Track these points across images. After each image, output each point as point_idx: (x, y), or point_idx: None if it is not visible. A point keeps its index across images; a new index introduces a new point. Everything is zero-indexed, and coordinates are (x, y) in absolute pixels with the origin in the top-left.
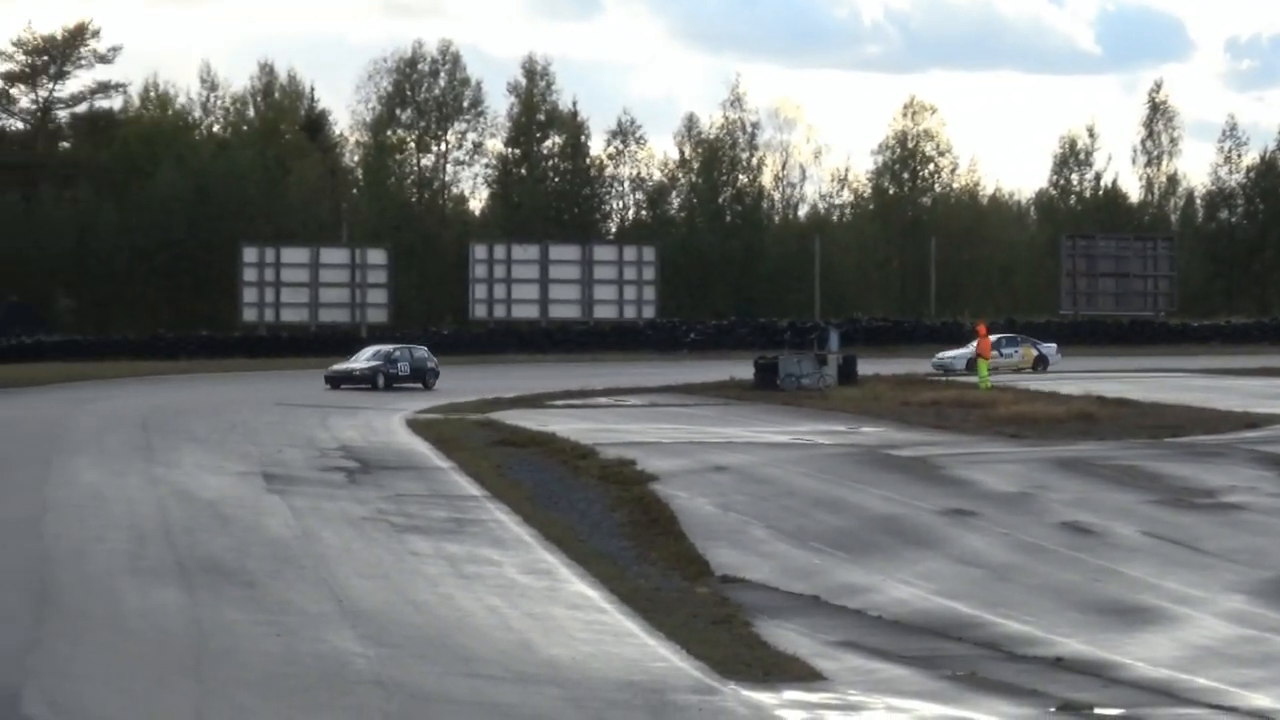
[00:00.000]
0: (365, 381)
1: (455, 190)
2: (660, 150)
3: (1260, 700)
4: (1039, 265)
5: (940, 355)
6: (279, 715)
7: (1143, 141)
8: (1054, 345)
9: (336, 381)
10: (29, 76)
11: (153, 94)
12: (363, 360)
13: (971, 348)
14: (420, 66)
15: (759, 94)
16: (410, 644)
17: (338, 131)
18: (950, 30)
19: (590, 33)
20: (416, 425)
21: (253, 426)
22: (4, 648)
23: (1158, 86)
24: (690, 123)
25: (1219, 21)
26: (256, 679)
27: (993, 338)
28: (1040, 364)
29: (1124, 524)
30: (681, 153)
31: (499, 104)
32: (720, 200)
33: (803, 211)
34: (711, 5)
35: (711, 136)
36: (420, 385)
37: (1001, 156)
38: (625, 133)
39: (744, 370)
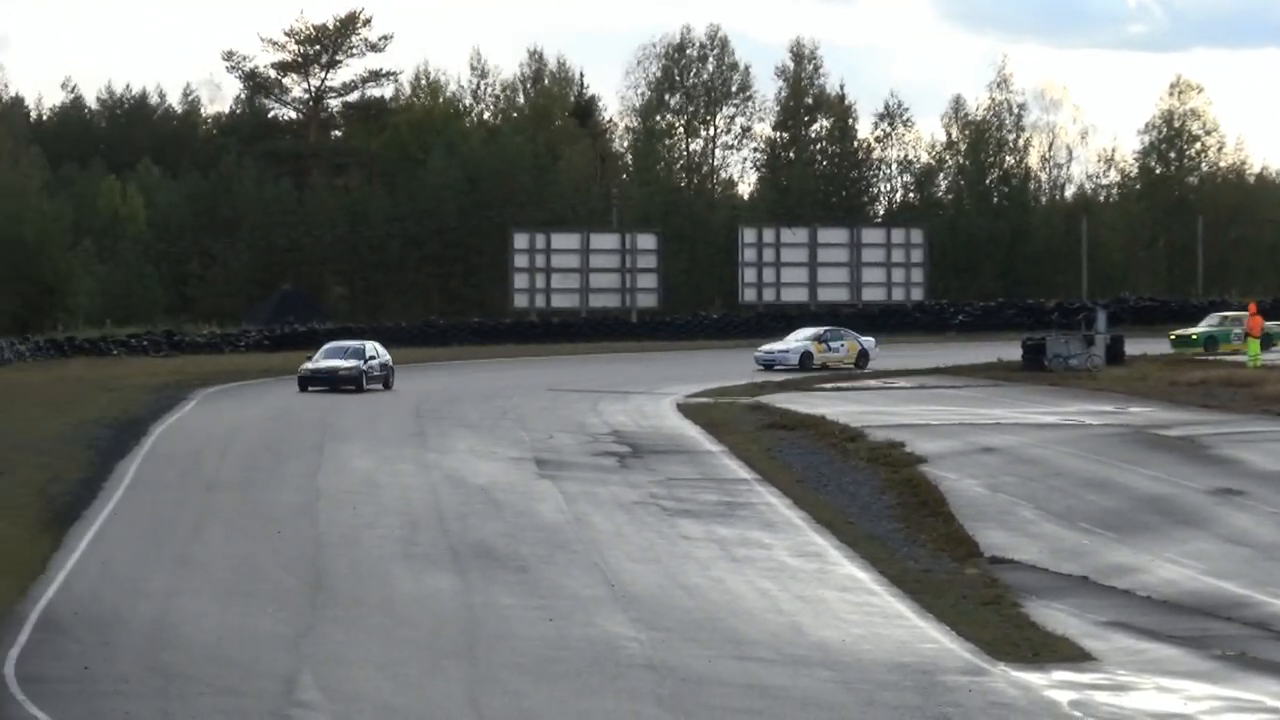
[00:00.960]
0: (349, 383)
1: (724, 174)
2: (927, 132)
3: None
4: None
5: (765, 349)
6: (551, 699)
7: None
8: (873, 339)
9: (309, 383)
10: (301, 66)
11: (423, 82)
12: (338, 358)
13: (798, 341)
14: (689, 51)
15: (1025, 75)
16: (681, 627)
17: (607, 117)
18: (1214, 8)
19: (856, 15)
20: (687, 409)
21: (524, 412)
22: (280, 634)
23: None
24: (957, 104)
25: None
26: (529, 663)
27: (817, 330)
28: (861, 359)
29: None
30: (948, 134)
31: (767, 88)
32: (987, 182)
33: (1069, 192)
34: None
35: (978, 118)
36: (381, 386)
37: (1269, 135)
38: (892, 115)
39: (1011, 351)
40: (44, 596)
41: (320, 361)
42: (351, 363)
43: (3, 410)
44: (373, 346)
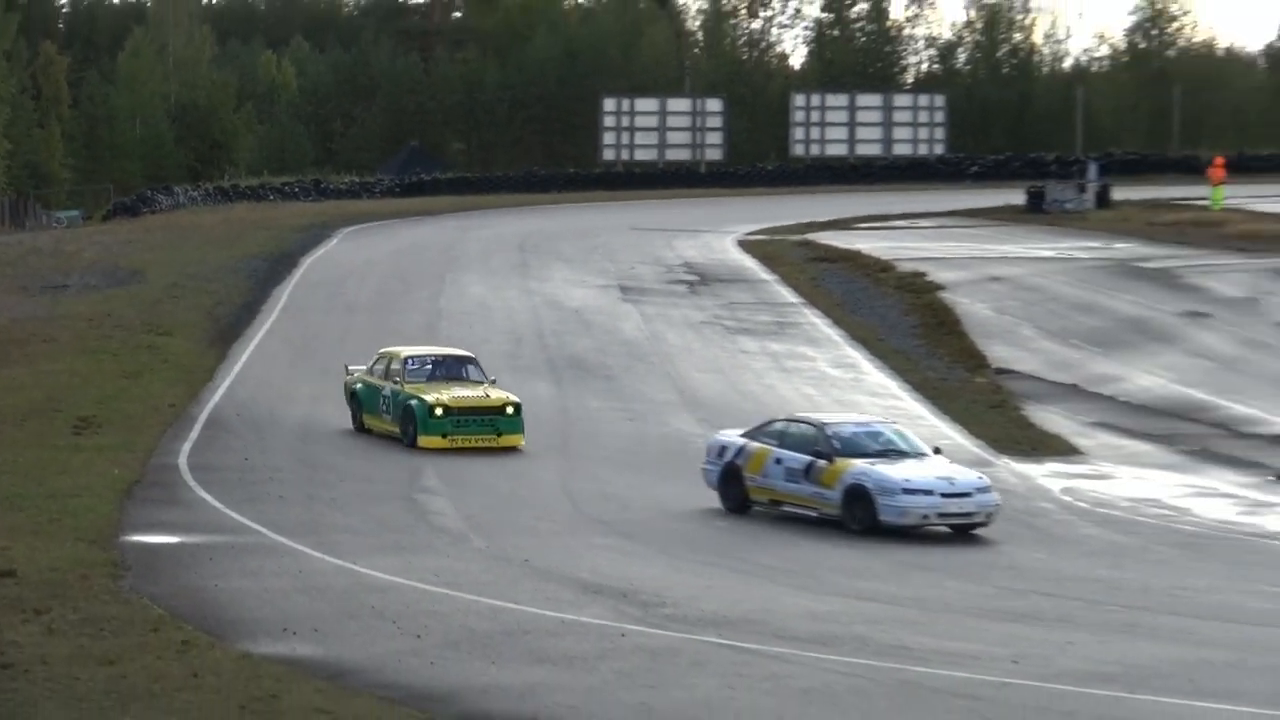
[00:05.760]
0: None
1: (779, 49)
2: (949, 14)
3: None
4: (1266, 107)
5: None
6: (630, 485)
7: None
8: None
9: None
10: None
11: None
12: None
13: None
14: None
15: None
16: (739, 426)
17: (682, 1)
18: None
19: None
20: (746, 245)
21: (611, 247)
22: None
23: None
24: None
25: None
26: (612, 455)
27: None
28: None
29: None
30: (967, 15)
31: None
32: (999, 55)
33: (1067, 64)
34: None
35: (993, 1)
36: None
37: (1234, 15)
38: None
39: (1016, 198)
40: (211, 401)
41: None
42: None
43: (178, 246)
44: None
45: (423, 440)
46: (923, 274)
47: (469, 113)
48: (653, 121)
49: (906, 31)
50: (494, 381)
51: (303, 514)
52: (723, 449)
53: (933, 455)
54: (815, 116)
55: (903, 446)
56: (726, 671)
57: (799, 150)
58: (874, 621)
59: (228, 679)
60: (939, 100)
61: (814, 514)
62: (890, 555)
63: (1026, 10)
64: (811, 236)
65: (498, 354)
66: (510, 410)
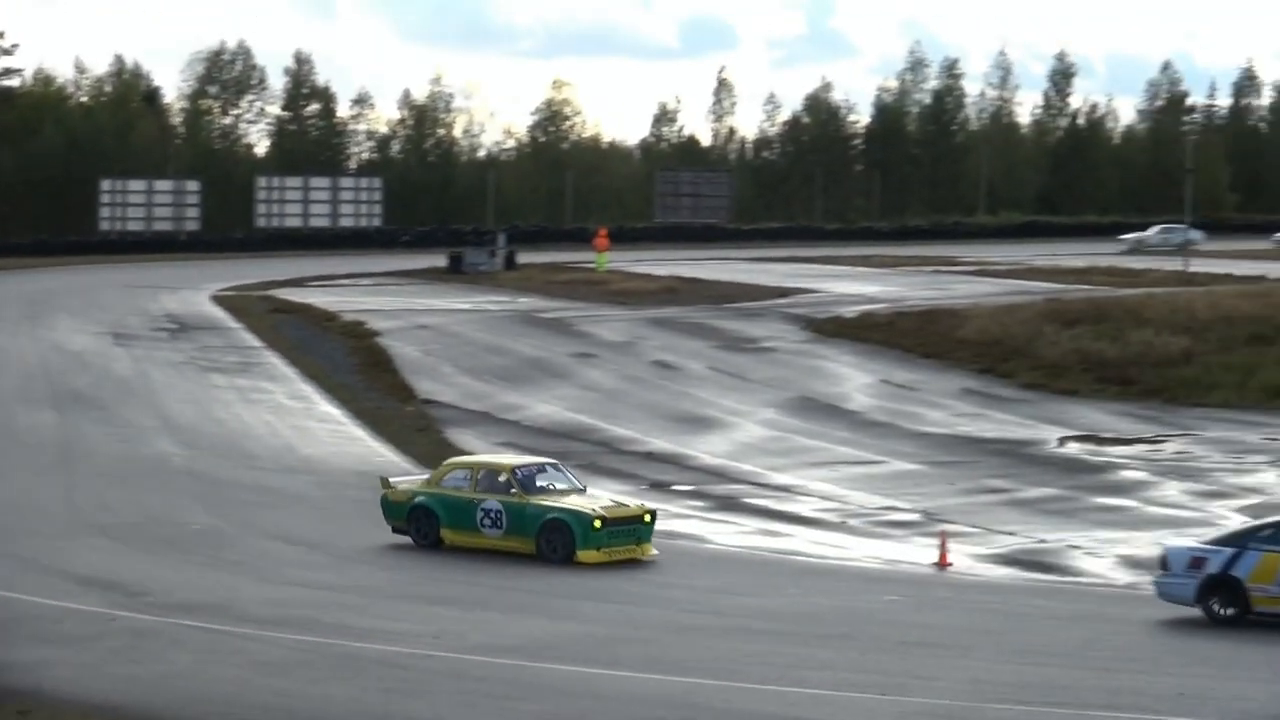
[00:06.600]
0: None
1: (246, 140)
2: (386, 112)
3: (782, 479)
4: (641, 189)
5: None
6: (123, 496)
7: (712, 106)
8: None
9: None
10: None
11: (40, 76)
12: None
13: None
14: (224, 56)
15: (454, 74)
16: (211, 447)
17: (167, 100)
18: (579, 27)
19: (339, 31)
20: (218, 299)
21: (106, 302)
22: None
23: (722, 68)
24: (406, 94)
25: (761, 23)
26: (107, 471)
27: None
28: None
29: (695, 362)
30: (401, 114)
31: (277, 81)
32: (426, 146)
33: (482, 153)
34: (417, 11)
35: (421, 103)
36: None
37: (616, 116)
38: (363, 100)
39: (440, 261)
40: None
41: None
42: None
43: None
44: None
45: (582, 555)
46: (363, 323)
47: None
48: (142, 199)
49: (350, 126)
50: (585, 488)
51: None
52: (1196, 560)
53: None
54: (276, 195)
55: None
56: (199, 648)
57: (262, 222)
58: (321, 606)
59: None
60: (376, 182)
61: None
62: (334, 550)
63: (449, 110)
64: (272, 292)
65: (10, 389)
66: (648, 519)
